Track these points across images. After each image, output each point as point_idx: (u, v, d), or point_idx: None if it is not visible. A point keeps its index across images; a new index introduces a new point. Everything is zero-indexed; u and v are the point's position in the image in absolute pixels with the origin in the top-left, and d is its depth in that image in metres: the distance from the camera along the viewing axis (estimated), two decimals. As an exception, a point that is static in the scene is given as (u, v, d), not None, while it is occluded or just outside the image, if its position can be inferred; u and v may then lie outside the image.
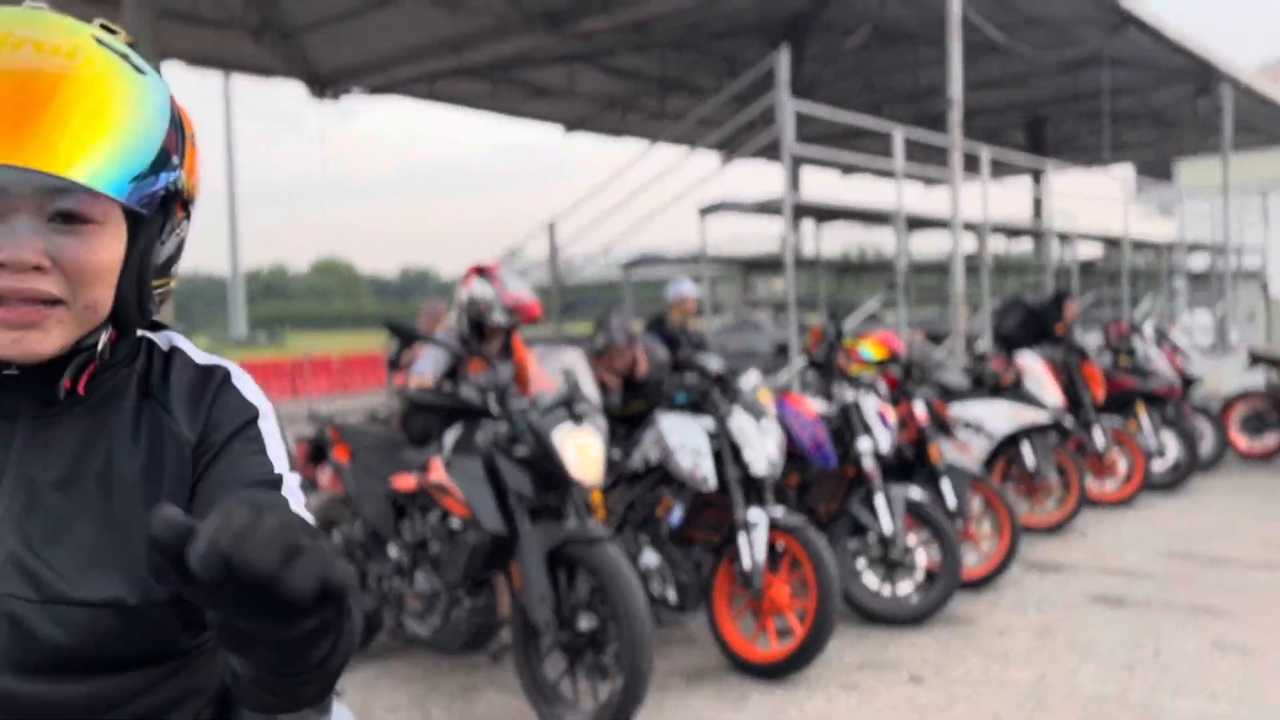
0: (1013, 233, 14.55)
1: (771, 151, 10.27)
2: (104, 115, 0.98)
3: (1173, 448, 8.35)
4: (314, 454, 4.95)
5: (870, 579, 5.15)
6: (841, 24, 16.54)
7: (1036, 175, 22.77)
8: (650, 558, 4.66)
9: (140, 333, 1.15)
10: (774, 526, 4.42)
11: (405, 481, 4.33)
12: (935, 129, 19.49)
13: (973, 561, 5.65)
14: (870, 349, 5.97)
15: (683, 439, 4.57)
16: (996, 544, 5.66)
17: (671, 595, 4.62)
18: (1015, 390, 7.04)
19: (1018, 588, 5.66)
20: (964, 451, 6.79)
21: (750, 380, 4.93)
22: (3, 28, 0.98)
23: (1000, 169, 17.47)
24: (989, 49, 15.32)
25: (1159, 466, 8.23)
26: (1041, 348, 8.01)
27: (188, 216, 1.14)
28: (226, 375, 1.14)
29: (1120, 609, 5.22)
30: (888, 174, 11.78)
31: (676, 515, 4.65)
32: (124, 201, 0.99)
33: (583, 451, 3.87)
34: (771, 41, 17.73)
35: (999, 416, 6.82)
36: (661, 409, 4.80)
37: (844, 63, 18.17)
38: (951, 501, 5.54)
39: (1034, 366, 7.08)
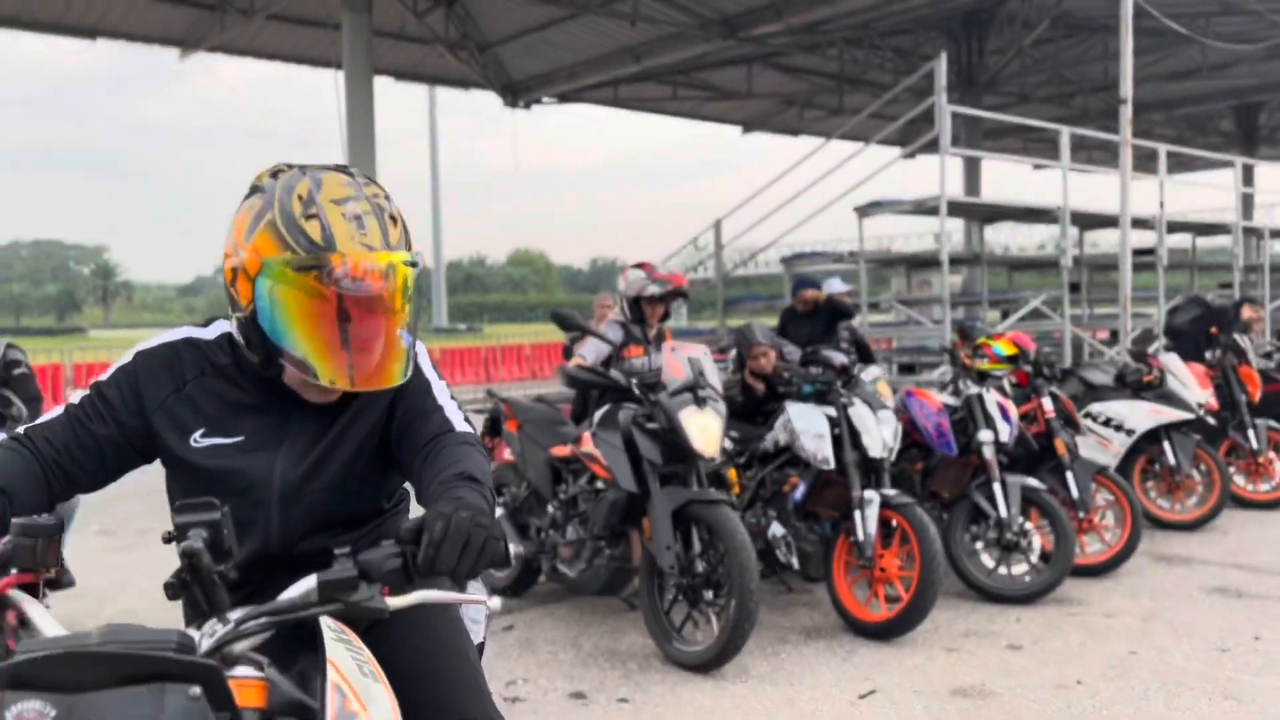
0: (1203, 229, 14.08)
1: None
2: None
3: (1340, 454, 8.17)
4: (490, 427, 5.84)
5: (986, 559, 5.58)
6: (1022, 17, 16.40)
7: (1248, 169, 21.66)
8: (777, 529, 5.28)
9: None
10: (885, 505, 4.95)
11: (562, 450, 5.15)
12: (1136, 117, 18.83)
13: (1095, 550, 5.95)
14: (1002, 347, 6.32)
15: (808, 424, 5.16)
16: (1119, 534, 5.93)
17: (795, 562, 5.23)
18: (1159, 389, 7.20)
19: (1138, 576, 5.91)
20: (1105, 447, 7.05)
21: (871, 373, 5.45)
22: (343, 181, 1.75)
23: (1200, 161, 16.84)
24: (1187, 36, 14.89)
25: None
26: (1213, 350, 8.07)
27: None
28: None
29: (1235, 600, 5.43)
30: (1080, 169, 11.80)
31: (800, 492, 5.26)
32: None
33: (704, 430, 4.56)
34: (951, 35, 17.75)
35: (1138, 414, 7.01)
36: (791, 398, 5.40)
37: (1027, 56, 17.93)
38: (1075, 492, 5.87)
39: (1177, 365, 7.21)
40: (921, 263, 12.42)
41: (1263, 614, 5.17)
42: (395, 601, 1.51)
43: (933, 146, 10.10)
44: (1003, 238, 22.90)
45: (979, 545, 5.63)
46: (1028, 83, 19.51)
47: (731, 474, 5.44)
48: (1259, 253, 15.97)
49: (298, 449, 1.79)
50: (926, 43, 17.64)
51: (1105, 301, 14.52)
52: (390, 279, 1.67)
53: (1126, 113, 10.19)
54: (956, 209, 10.90)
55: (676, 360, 4.81)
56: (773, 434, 5.46)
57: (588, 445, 4.86)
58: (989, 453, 5.58)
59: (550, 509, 5.21)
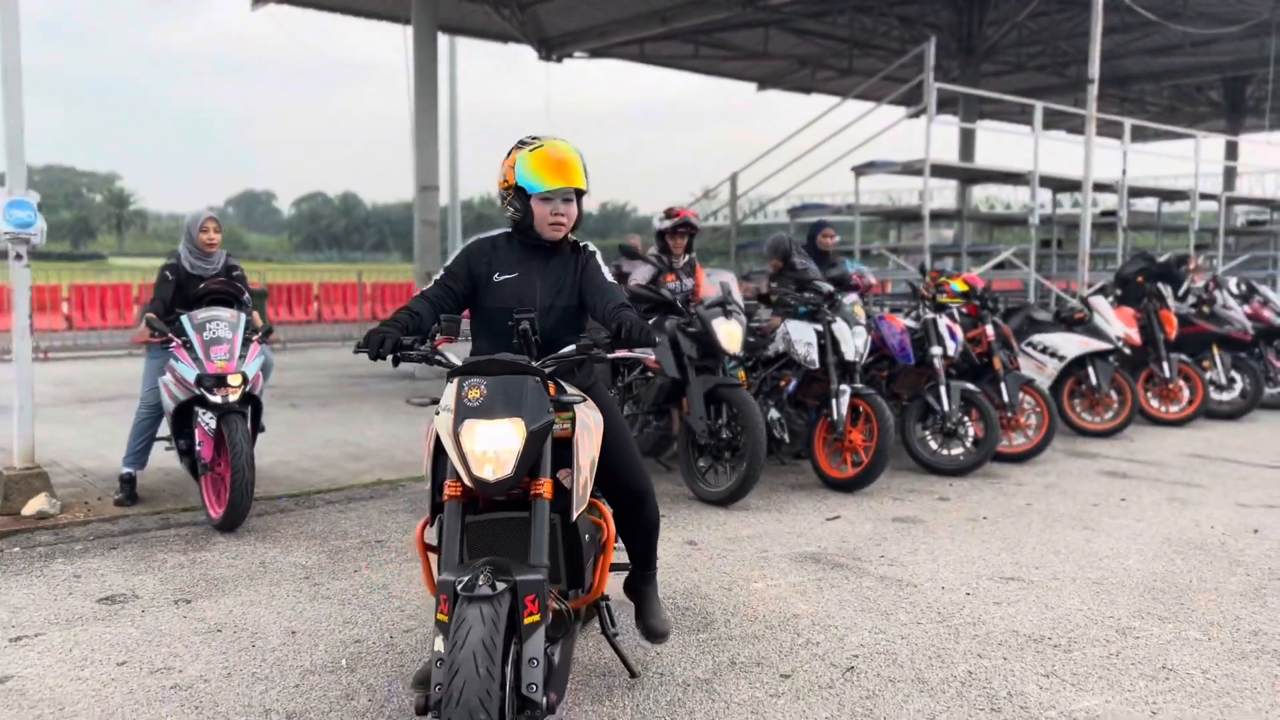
0: (1166, 195, 15.64)
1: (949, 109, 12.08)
2: (579, 166, 3.43)
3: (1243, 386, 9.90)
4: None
5: (931, 443, 7.33)
6: (1019, -11, 17.70)
7: (1231, 144, 23.10)
8: (774, 414, 7.01)
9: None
10: (855, 394, 6.69)
11: (622, 351, 6.89)
12: (1116, 88, 20.16)
13: (1019, 442, 7.70)
14: (957, 284, 8.00)
15: (800, 335, 6.87)
16: (1039, 432, 7.67)
17: (787, 438, 6.98)
18: (1088, 325, 8.91)
19: (1050, 463, 7.67)
20: (1041, 370, 8.78)
21: (850, 298, 7.16)
22: (549, 140, 3.43)
23: (1182, 132, 18.33)
24: (1173, 13, 16.32)
25: (1225, 400, 9.82)
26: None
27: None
28: (587, 244, 3.57)
29: (1118, 479, 7.19)
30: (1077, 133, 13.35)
31: (793, 386, 6.99)
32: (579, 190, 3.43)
33: (730, 334, 6.29)
34: (953, 6, 19.14)
35: (1069, 343, 8.74)
36: (788, 316, 7.11)
37: (1024, 27, 19.31)
38: (1005, 397, 7.60)
39: (1103, 306, 8.92)
40: (910, 216, 14.02)
41: (1135, 487, 6.93)
42: (612, 355, 3.21)
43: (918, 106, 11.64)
44: (1003, 196, 24.39)
45: (927, 434, 7.37)
46: (1024, 52, 20.88)
47: (741, 375, 7.17)
48: (1230, 218, 17.51)
49: (546, 281, 3.47)
50: (931, 12, 19.02)
51: (1073, 256, 16.13)
52: (568, 193, 3.40)
53: (1092, 91, 11.70)
54: (940, 171, 12.46)
55: (711, 283, 6.53)
56: (774, 344, 7.18)
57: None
58: (938, 363, 7.30)
59: (610, 393, 6.98)
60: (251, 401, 5.68)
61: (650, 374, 6.65)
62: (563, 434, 3.05)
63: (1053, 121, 19.69)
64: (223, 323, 5.67)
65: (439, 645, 2.71)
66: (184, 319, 5.68)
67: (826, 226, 8.84)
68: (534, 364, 2.99)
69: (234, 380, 5.51)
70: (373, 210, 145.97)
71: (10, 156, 5.68)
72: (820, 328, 6.88)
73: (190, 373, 5.50)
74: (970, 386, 7.32)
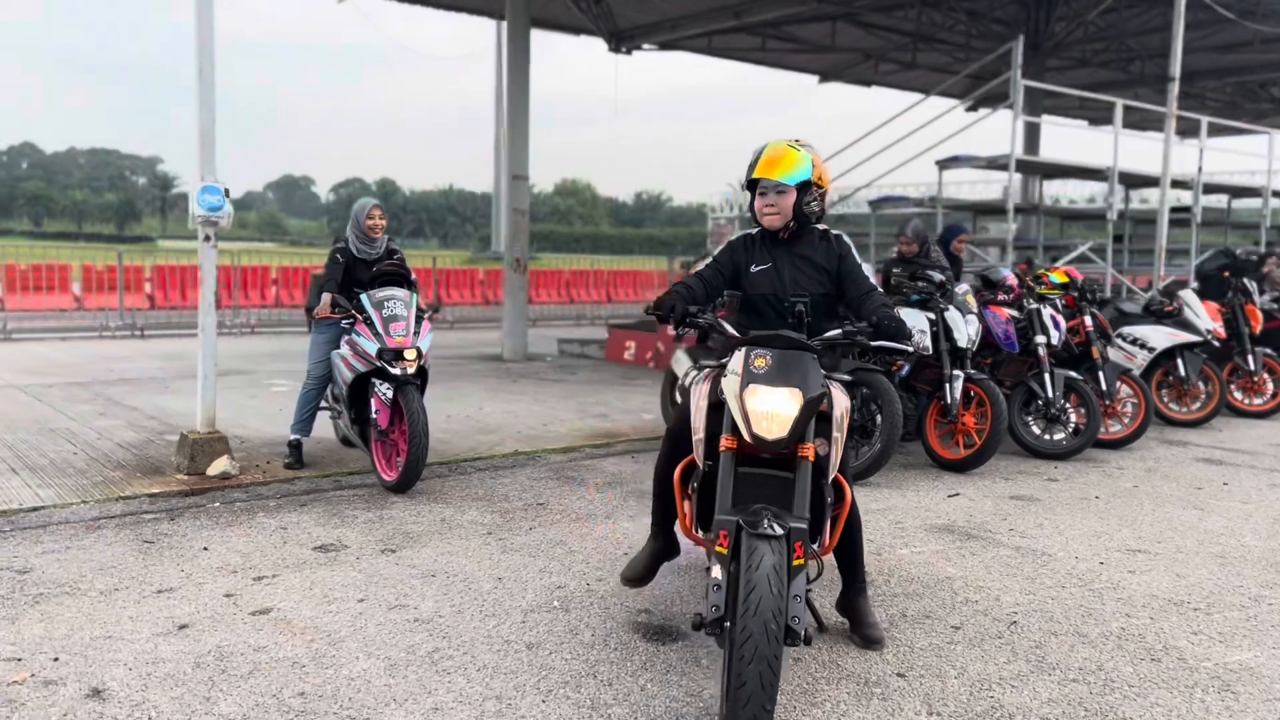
0: (1236, 192, 15.81)
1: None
2: (793, 163, 3.85)
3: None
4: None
5: (1035, 428, 7.69)
6: (1089, -15, 17.86)
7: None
8: (887, 396, 7.41)
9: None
10: (968, 380, 7.07)
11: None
12: (1187, 83, 20.14)
13: (1116, 429, 8.04)
14: (1056, 276, 8.35)
15: (914, 322, 7.25)
16: (1135, 419, 8.01)
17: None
18: (1177, 318, 9.22)
19: (1146, 450, 8.02)
20: (1131, 360, 9.11)
21: (961, 288, 7.53)
22: (776, 141, 3.86)
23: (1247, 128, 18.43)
24: (1247, 11, 16.44)
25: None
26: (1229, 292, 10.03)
27: (822, 193, 3.94)
28: (840, 235, 3.97)
29: (1215, 465, 7.52)
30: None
31: (905, 371, 7.38)
32: (792, 184, 3.84)
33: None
34: (1021, 1, 19.32)
35: (1159, 335, 9.05)
36: (902, 304, 7.49)
37: (1091, 24, 19.46)
38: (1104, 385, 7.95)
39: (1192, 300, 9.23)
40: (988, 210, 14.32)
41: (1234, 473, 7.27)
42: (874, 345, 3.62)
43: (999, 104, 11.94)
44: (1066, 191, 24.52)
45: (1030, 419, 7.73)
46: (1088, 48, 21.01)
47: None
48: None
49: (794, 270, 3.88)
50: (999, 6, 19.22)
51: (1144, 252, 16.35)
52: (778, 185, 3.81)
53: (1173, 89, 11.95)
54: (1023, 166, 12.76)
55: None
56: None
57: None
58: (1043, 352, 7.65)
59: None
60: (422, 374, 6.15)
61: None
62: (821, 408, 3.48)
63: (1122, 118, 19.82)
64: (399, 301, 6.14)
65: (716, 573, 3.16)
66: (364, 297, 6.16)
67: (962, 232, 9.18)
68: (811, 342, 3.43)
69: (410, 354, 5.98)
70: (410, 197, 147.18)
71: (203, 146, 6.18)
72: (933, 315, 7.26)
73: (371, 346, 5.98)
74: (1073, 374, 7.67)
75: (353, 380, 6.16)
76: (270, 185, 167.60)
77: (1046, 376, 7.59)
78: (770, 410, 3.26)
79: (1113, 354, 8.86)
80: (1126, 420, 8.08)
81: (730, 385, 3.37)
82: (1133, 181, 13.66)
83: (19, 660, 3.63)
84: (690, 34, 19.27)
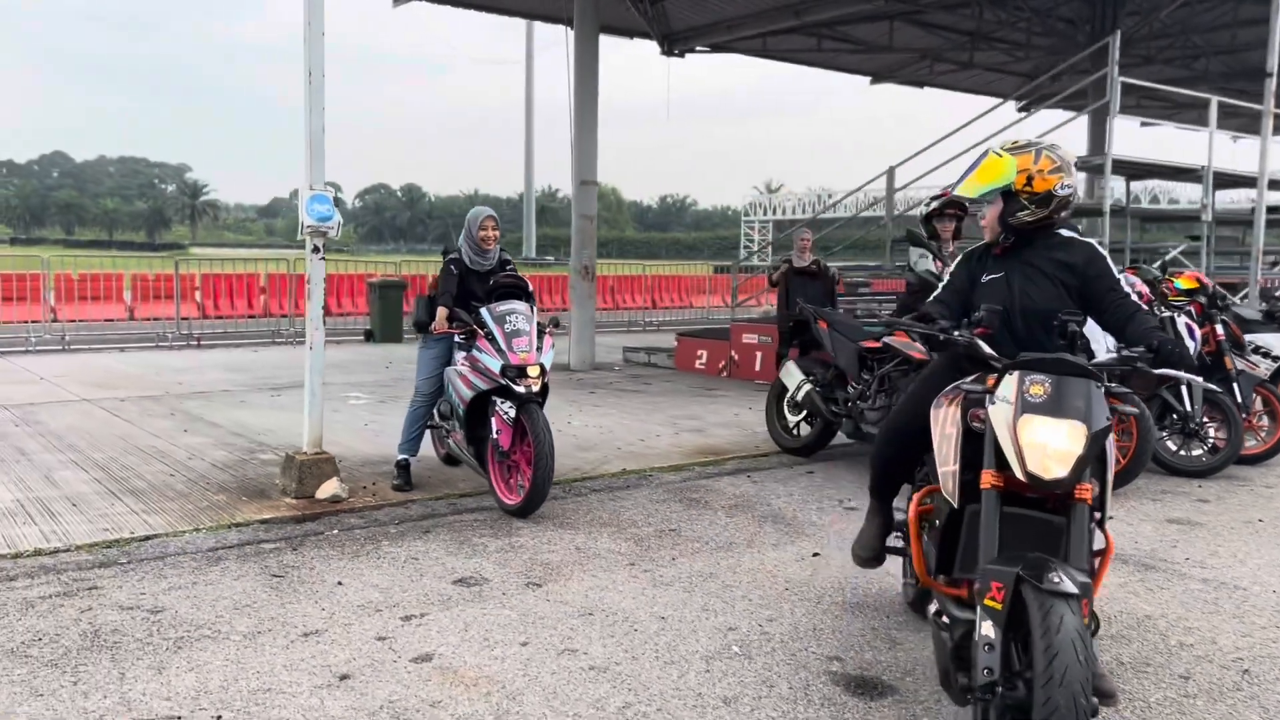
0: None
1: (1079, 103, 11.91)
2: (987, 173, 3.47)
3: None
4: (794, 332, 7.67)
5: (1170, 444, 7.26)
6: (1160, -18, 17.35)
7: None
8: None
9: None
10: (1108, 394, 6.64)
11: (871, 343, 6.92)
12: (1253, 81, 19.72)
13: (1252, 444, 7.59)
14: (1183, 283, 7.91)
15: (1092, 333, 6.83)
16: (1273, 433, 7.56)
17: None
18: (1301, 324, 8.75)
19: (1287, 466, 7.57)
20: (1253, 370, 8.64)
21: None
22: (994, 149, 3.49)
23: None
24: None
25: None
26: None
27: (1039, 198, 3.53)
28: (1087, 242, 3.58)
29: (1368, 482, 7.07)
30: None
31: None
32: (981, 197, 3.47)
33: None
34: (1087, -1, 18.81)
35: (1282, 344, 8.58)
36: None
37: (1158, 21, 18.94)
38: (1239, 398, 7.51)
39: (1320, 306, 8.74)
40: (1084, 212, 13.83)
41: (1390, 491, 6.81)
42: (1158, 371, 3.20)
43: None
44: (1139, 190, 23.95)
45: (1165, 434, 7.30)
46: (1153, 45, 20.48)
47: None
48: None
49: (1024, 281, 3.50)
50: (1063, 2, 18.73)
51: (1224, 254, 15.83)
52: (988, 196, 3.46)
53: (1271, 85, 11.47)
54: (1116, 166, 12.29)
55: None
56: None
57: (903, 338, 6.62)
58: (1178, 363, 7.22)
59: (854, 386, 7.01)
60: (543, 391, 5.81)
61: (909, 366, 6.66)
62: None
63: (1198, 118, 19.31)
64: (520, 315, 5.81)
65: (988, 631, 2.78)
66: (484, 311, 5.83)
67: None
68: (1094, 368, 3.03)
69: (533, 371, 5.65)
70: (435, 203, 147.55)
71: (312, 153, 5.87)
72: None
73: (494, 363, 5.64)
74: (1212, 387, 7.23)
75: (472, 398, 5.83)
76: (296, 192, 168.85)
77: (1184, 389, 7.16)
78: (1050, 445, 2.88)
79: (1238, 362, 8.40)
80: (1263, 435, 7.63)
81: (1001, 415, 2.99)
82: (1222, 181, 13.16)
83: (178, 718, 3.30)
84: (746, 35, 18.89)
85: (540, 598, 4.48)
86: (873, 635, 4.15)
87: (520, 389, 5.59)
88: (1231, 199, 15.70)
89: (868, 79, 23.38)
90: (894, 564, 4.22)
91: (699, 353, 12.98)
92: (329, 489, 5.99)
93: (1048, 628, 2.61)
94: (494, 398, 5.74)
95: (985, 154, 3.59)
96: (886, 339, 6.77)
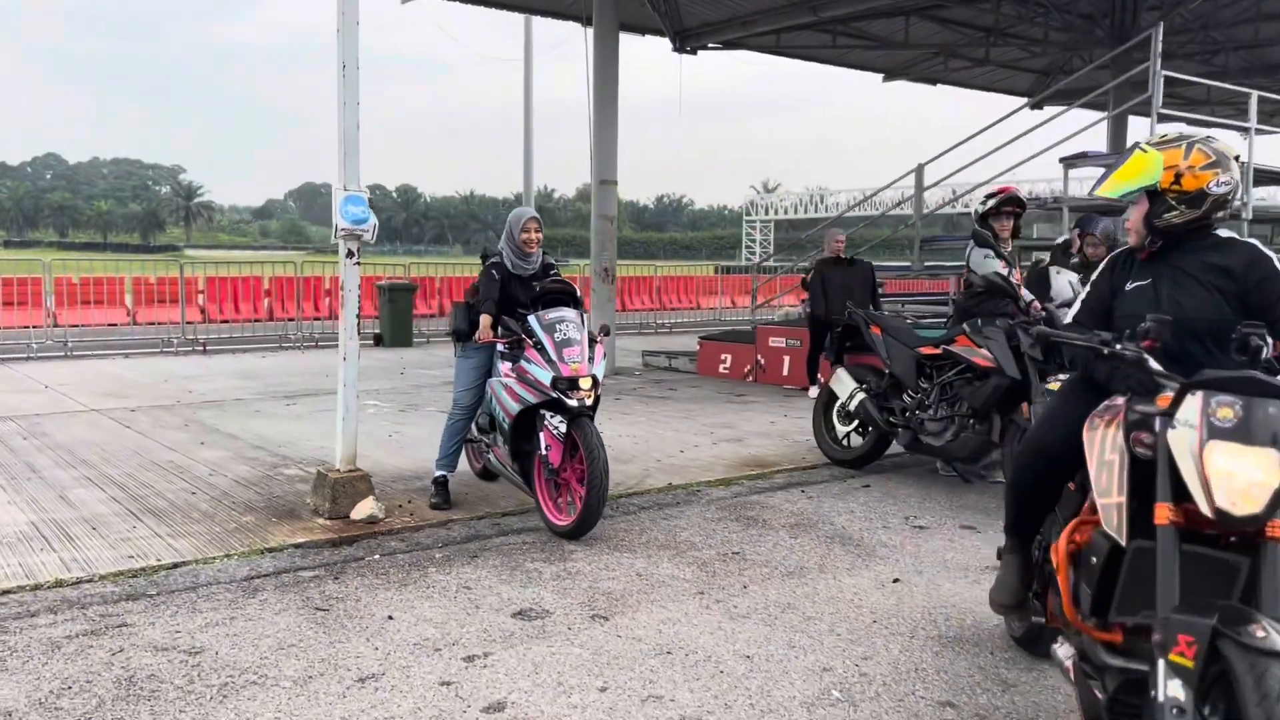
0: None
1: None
2: (1128, 171, 3.12)
3: None
4: (843, 335, 7.31)
5: None
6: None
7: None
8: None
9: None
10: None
11: (929, 349, 6.56)
12: (1270, 76, 19.39)
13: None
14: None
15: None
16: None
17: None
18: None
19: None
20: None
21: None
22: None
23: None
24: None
25: None
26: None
27: (1189, 197, 3.15)
28: (1249, 243, 3.21)
29: None
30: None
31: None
32: (1121, 197, 3.12)
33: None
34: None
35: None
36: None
37: (1178, 15, 18.62)
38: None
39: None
40: (1111, 210, 13.49)
41: None
42: None
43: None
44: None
45: None
46: (1172, 40, 20.16)
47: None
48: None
49: (1173, 289, 3.13)
50: (1078, -1, 18.40)
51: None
52: (1129, 195, 3.14)
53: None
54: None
55: (1060, 281, 6.20)
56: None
57: (966, 344, 6.27)
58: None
59: (910, 395, 6.66)
60: (595, 404, 5.45)
61: (973, 373, 6.30)
62: None
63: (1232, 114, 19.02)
64: (571, 323, 5.45)
65: (1176, 693, 2.40)
66: (533, 320, 5.46)
67: (1097, 224, 8.39)
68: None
69: (585, 383, 5.28)
70: (431, 203, 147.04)
71: (347, 151, 5.50)
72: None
73: (545, 375, 5.28)
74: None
75: (519, 412, 5.46)
76: (291, 194, 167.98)
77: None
78: (1242, 476, 2.52)
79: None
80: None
81: (1183, 440, 2.62)
82: (1258, 179, 12.81)
83: (234, 784, 2.93)
84: (760, 31, 18.54)
85: (610, 633, 4.12)
86: (981, 675, 3.79)
87: (572, 402, 5.23)
88: (1260, 196, 15.34)
89: (880, 76, 23.07)
90: (979, 587, 3.83)
91: (722, 357, 12.61)
92: (365, 509, 5.62)
93: (1264, 694, 2.24)
94: (542, 411, 5.37)
95: (1132, 149, 3.23)
96: (947, 346, 6.43)
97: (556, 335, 5.37)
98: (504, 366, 5.65)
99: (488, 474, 6.50)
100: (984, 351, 6.17)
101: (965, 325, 6.39)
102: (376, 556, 5.08)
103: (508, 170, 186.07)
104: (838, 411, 7.26)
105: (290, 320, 17.59)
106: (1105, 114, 15.91)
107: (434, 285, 22.02)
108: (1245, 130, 11.50)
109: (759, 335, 12.08)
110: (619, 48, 13.10)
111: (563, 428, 5.28)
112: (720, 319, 22.63)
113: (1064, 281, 6.32)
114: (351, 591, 4.55)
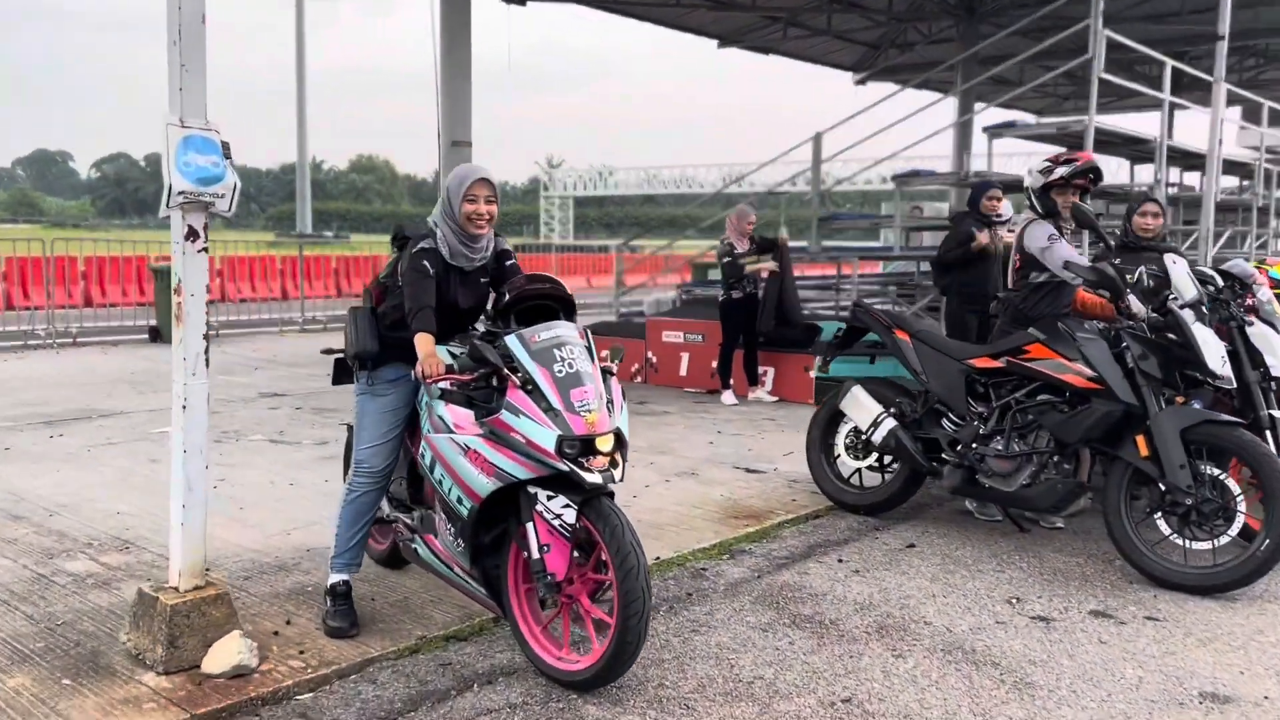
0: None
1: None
2: None
3: None
4: (848, 337, 5.62)
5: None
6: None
7: None
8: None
9: None
10: None
11: (985, 362, 4.95)
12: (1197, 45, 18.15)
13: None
14: (1278, 271, 6.46)
15: (1205, 340, 5.08)
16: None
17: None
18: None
19: None
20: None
21: (1264, 294, 5.47)
22: None
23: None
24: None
25: None
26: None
27: None
28: None
29: None
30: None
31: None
32: None
33: (1218, 351, 4.50)
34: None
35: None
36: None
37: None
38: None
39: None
40: (1103, 194, 12.42)
41: None
42: None
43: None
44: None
45: None
46: (1017, 14, 19.73)
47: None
48: None
49: None
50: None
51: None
52: None
53: (1222, 48, 10.50)
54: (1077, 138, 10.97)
55: (1177, 271, 4.72)
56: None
57: (1046, 354, 4.70)
58: None
59: (952, 421, 5.06)
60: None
61: (1061, 396, 4.74)
62: None
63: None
64: (573, 346, 3.44)
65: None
66: (514, 344, 3.40)
67: (991, 188, 7.01)
68: None
69: (605, 443, 3.29)
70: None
71: (185, 61, 3.24)
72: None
73: (546, 435, 3.23)
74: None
75: (492, 492, 3.40)
76: (20, 161, 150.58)
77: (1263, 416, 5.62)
78: None
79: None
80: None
81: None
82: (1174, 158, 12.17)
83: None
84: (596, -18, 16.66)
85: None
86: None
87: (592, 477, 3.24)
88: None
89: (715, 42, 21.66)
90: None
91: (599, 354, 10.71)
92: (228, 655, 3.41)
93: None
94: (532, 490, 3.35)
95: None
96: (1014, 358, 4.86)
97: (556, 368, 3.35)
98: (450, 412, 3.53)
99: (396, 558, 4.40)
100: (1079, 367, 4.64)
101: (1036, 329, 4.86)
102: (269, 764, 2.93)
103: (272, 139, 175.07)
104: (849, 443, 5.56)
105: (36, 309, 14.22)
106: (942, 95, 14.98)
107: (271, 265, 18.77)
108: (1160, 103, 10.72)
109: (650, 328, 10.26)
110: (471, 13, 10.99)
111: (570, 516, 3.28)
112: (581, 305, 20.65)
113: (1182, 272, 4.84)
114: None
